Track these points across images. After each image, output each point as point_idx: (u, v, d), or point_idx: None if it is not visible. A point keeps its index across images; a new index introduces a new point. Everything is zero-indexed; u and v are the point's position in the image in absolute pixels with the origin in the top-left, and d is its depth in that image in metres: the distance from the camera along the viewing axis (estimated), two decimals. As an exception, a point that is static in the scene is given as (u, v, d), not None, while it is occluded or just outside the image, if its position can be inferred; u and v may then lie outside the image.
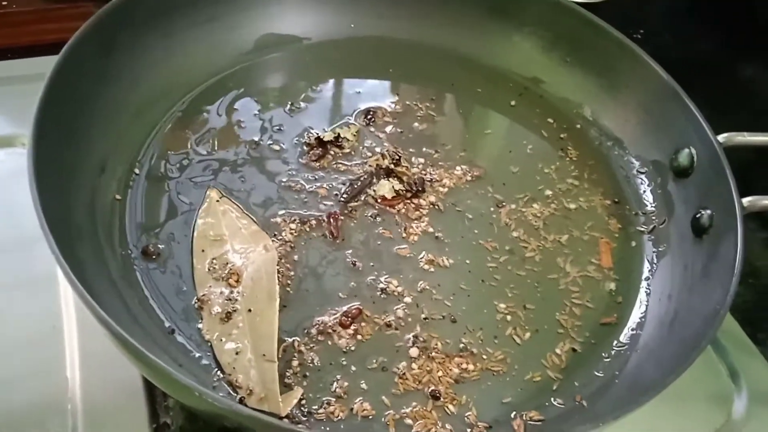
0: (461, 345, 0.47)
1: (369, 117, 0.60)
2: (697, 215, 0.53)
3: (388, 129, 0.59)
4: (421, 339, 0.47)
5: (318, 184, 0.54)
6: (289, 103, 0.59)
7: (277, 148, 0.56)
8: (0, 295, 0.49)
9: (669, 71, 0.58)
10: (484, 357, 0.47)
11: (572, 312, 0.50)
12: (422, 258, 0.51)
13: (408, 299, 0.49)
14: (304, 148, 0.56)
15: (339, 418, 0.42)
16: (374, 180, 0.55)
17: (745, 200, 0.49)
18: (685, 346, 0.45)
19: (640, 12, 0.93)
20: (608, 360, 0.48)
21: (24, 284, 0.50)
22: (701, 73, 0.84)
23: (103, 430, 0.43)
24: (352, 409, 0.43)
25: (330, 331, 0.46)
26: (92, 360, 0.46)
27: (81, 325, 0.47)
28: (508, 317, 0.49)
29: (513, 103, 0.64)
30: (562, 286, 0.52)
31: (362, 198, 0.54)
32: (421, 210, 0.54)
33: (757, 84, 0.87)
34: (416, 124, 0.61)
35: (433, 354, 0.46)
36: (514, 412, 0.44)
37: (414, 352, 0.46)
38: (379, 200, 0.54)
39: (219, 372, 0.43)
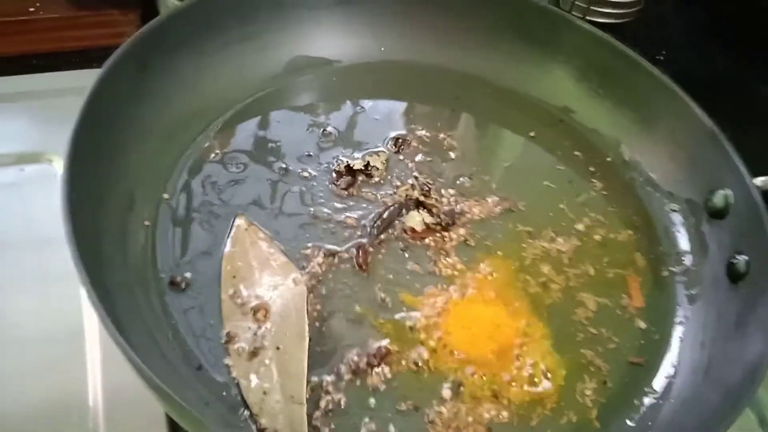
0: (493, 388, 0.46)
1: (399, 144, 0.59)
2: (733, 260, 0.52)
3: (418, 157, 0.58)
4: (451, 380, 0.46)
5: (347, 214, 0.53)
6: (319, 127, 0.58)
7: (306, 174, 0.55)
8: (20, 296, 0.49)
9: (693, 90, 0.57)
10: (516, 400, 0.46)
11: (603, 350, 0.49)
12: (451, 294, 0.50)
13: (438, 337, 0.48)
14: (333, 175, 0.55)
15: (366, 463, 0.41)
16: (404, 211, 0.54)
17: (786, 249, 0.48)
18: (723, 398, 0.44)
19: (661, 31, 0.92)
20: (640, 408, 0.47)
21: (44, 284, 0.50)
22: (724, 90, 0.83)
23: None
24: (379, 454, 0.42)
25: (358, 370, 0.45)
26: (114, 367, 0.46)
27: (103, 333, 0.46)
28: (540, 356, 0.48)
29: (544, 133, 0.63)
30: (593, 323, 0.51)
31: (391, 230, 0.53)
32: (450, 243, 0.53)
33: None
34: (446, 151, 0.60)
35: (463, 398, 0.45)
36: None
37: (447, 393, 0.45)
38: (408, 232, 0.53)
39: (246, 411, 0.42)
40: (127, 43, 0.48)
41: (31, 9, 0.71)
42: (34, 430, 0.44)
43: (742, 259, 0.51)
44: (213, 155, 0.54)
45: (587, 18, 0.79)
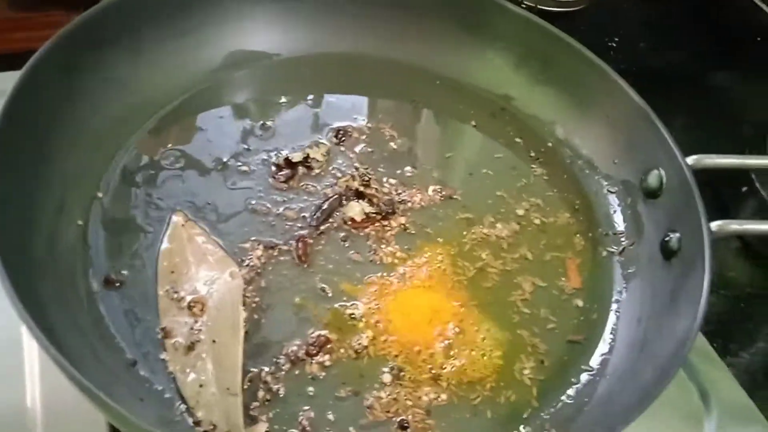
0: (432, 371, 0.46)
1: (339, 136, 0.59)
2: (666, 238, 0.53)
3: (359, 148, 0.59)
4: (391, 366, 0.46)
5: (286, 206, 0.53)
6: (258, 121, 0.58)
7: (245, 168, 0.55)
8: None
9: (642, 80, 0.58)
10: (454, 381, 0.46)
11: (540, 330, 0.50)
12: (391, 281, 0.51)
13: (378, 324, 0.48)
14: (273, 168, 0.55)
15: (304, 451, 0.42)
16: (344, 202, 0.54)
17: (714, 225, 0.49)
18: (656, 372, 0.45)
19: (615, 20, 0.94)
20: (577, 386, 0.48)
21: None
22: (674, 81, 0.85)
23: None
24: (318, 442, 0.42)
25: (297, 359, 0.45)
26: (53, 374, 0.44)
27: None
28: (479, 338, 0.49)
29: (484, 120, 0.63)
30: (531, 304, 0.51)
31: (331, 220, 0.53)
32: (391, 232, 0.53)
33: (728, 93, 0.88)
34: (387, 142, 0.60)
35: (403, 382, 0.46)
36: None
37: (386, 378, 0.45)
38: (348, 222, 0.53)
39: (182, 405, 0.42)
40: (50, 41, 0.48)
41: (-29, 11, 0.69)
42: None
43: (674, 236, 0.52)
44: (148, 153, 0.54)
45: (539, 7, 0.80)
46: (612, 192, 0.59)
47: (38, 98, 0.46)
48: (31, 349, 0.47)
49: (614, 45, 0.89)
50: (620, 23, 0.94)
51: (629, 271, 0.55)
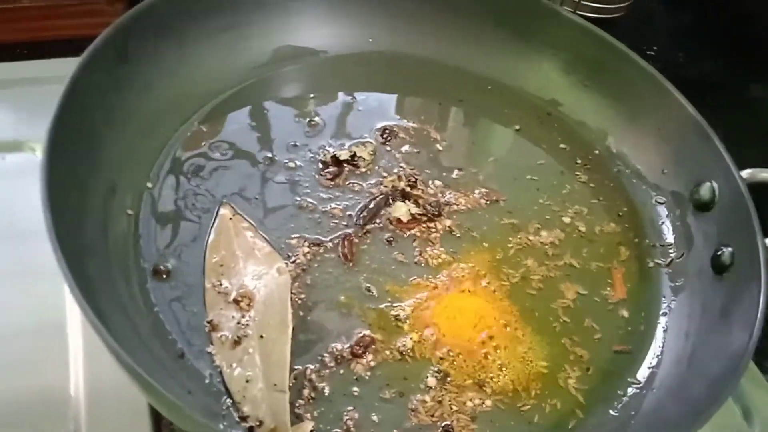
0: (476, 377, 0.46)
1: (385, 135, 0.59)
2: (718, 252, 0.52)
3: (405, 148, 0.58)
4: (435, 369, 0.46)
5: (332, 204, 0.53)
6: (305, 118, 0.58)
7: (292, 165, 0.55)
8: (1, 289, 0.49)
9: (680, 89, 0.58)
10: (499, 387, 0.46)
11: (584, 339, 0.49)
12: (436, 284, 0.50)
13: (423, 326, 0.47)
14: (320, 165, 0.55)
15: (349, 451, 0.41)
16: (390, 201, 0.54)
17: (769, 241, 0.48)
18: (706, 389, 0.44)
19: (652, 28, 0.93)
20: (624, 398, 0.47)
21: (26, 276, 0.49)
22: (712, 91, 0.84)
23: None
24: (362, 443, 0.42)
25: (342, 359, 0.45)
26: (96, 360, 0.45)
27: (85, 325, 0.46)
28: (523, 345, 0.48)
29: (530, 124, 0.63)
30: (574, 313, 0.51)
31: (377, 220, 0.53)
32: (436, 234, 0.53)
33: (766, 103, 0.87)
34: (432, 143, 0.60)
35: (447, 386, 0.45)
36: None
37: (431, 382, 0.45)
38: (393, 223, 0.53)
39: (228, 399, 0.41)
40: (106, 31, 0.48)
41: (17, -2, 0.70)
42: (16, 422, 0.44)
43: (727, 251, 0.51)
44: (197, 144, 0.54)
45: (578, 12, 0.79)
46: (660, 203, 0.58)
47: (94, 85, 0.47)
48: (75, 336, 0.47)
49: (652, 54, 0.88)
50: (658, 32, 0.93)
51: (677, 283, 0.54)
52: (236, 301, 0.45)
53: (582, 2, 0.79)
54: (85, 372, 0.46)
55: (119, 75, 0.50)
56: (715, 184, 0.54)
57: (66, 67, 0.49)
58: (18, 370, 0.45)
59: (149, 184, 0.50)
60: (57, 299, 0.48)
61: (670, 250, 0.56)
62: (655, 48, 0.88)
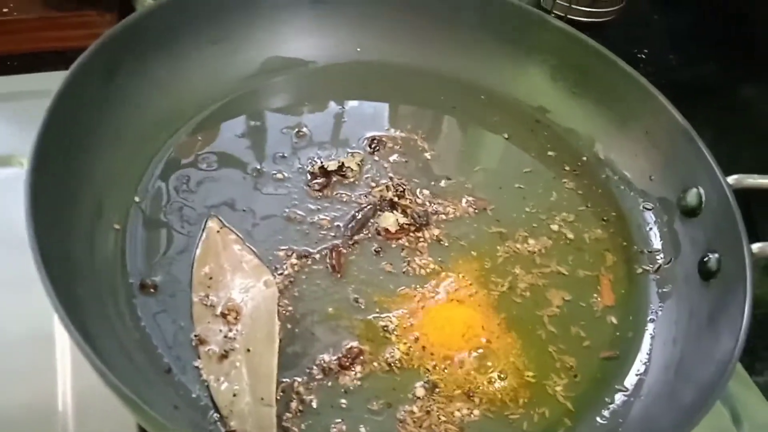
0: (465, 387, 0.46)
1: (373, 145, 0.59)
2: (705, 258, 0.52)
3: (393, 158, 0.58)
4: (424, 380, 0.46)
5: (320, 215, 0.53)
6: (293, 128, 0.58)
7: (279, 176, 0.55)
8: None
9: (671, 92, 0.58)
10: (487, 397, 0.46)
11: (573, 346, 0.50)
12: (424, 294, 0.50)
13: (411, 337, 0.48)
14: (308, 176, 0.55)
15: (336, 464, 0.41)
16: (378, 212, 0.54)
17: (755, 246, 0.49)
18: (694, 394, 0.44)
19: (644, 31, 0.93)
20: (612, 405, 0.48)
21: (14, 287, 0.48)
22: (703, 94, 0.84)
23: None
24: (350, 456, 0.42)
25: (330, 371, 0.45)
26: (84, 371, 0.45)
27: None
28: (511, 353, 0.48)
29: (518, 132, 0.63)
30: (562, 320, 0.51)
31: (365, 231, 0.53)
32: (424, 244, 0.53)
33: (758, 107, 0.87)
34: (420, 152, 0.60)
35: (436, 396, 0.45)
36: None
37: (420, 392, 0.45)
38: (382, 233, 0.53)
39: (216, 414, 0.41)
40: (94, 45, 0.48)
41: (5, 9, 0.70)
42: None
43: (713, 257, 0.51)
44: (185, 157, 0.54)
45: (569, 16, 0.79)
46: (648, 209, 0.59)
47: (81, 100, 0.47)
48: (63, 350, 0.47)
49: (643, 57, 0.88)
50: (650, 35, 0.93)
51: (665, 290, 0.54)
52: (223, 315, 0.45)
53: (573, 6, 0.79)
54: (73, 383, 0.46)
55: (106, 88, 0.50)
56: (702, 190, 0.54)
57: (54, 81, 0.49)
58: (5, 383, 0.45)
59: (137, 198, 0.50)
60: (45, 311, 0.48)
61: (658, 257, 0.56)
62: (646, 51, 0.89)
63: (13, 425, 0.44)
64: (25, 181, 0.40)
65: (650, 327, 0.52)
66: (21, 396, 0.45)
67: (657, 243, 0.57)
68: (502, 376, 0.47)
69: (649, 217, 0.58)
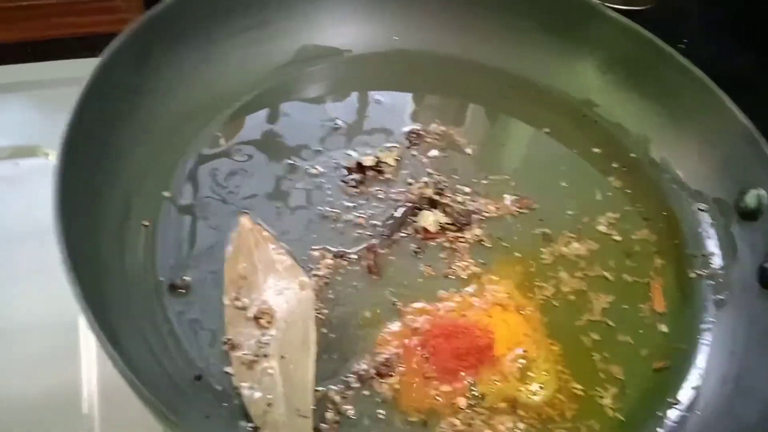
0: (509, 398, 0.43)
1: (412, 139, 0.56)
2: (765, 264, 0.49)
3: (432, 153, 0.56)
4: (467, 391, 0.43)
5: (356, 213, 0.50)
6: (328, 120, 0.56)
7: (314, 171, 0.52)
8: (15, 289, 0.48)
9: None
10: (532, 410, 0.43)
11: (620, 356, 0.47)
12: (465, 299, 0.47)
13: (451, 344, 0.45)
14: (343, 172, 0.53)
15: (374, 479, 0.39)
16: (416, 211, 0.51)
17: (822, 254, 0.45)
18: (758, 412, 0.41)
19: (683, 20, 0.89)
20: (666, 421, 0.45)
21: (39, 277, 0.47)
22: (746, 86, 0.80)
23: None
24: (388, 470, 0.40)
25: (367, 379, 0.43)
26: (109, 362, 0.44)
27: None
28: (556, 363, 0.45)
29: (565, 127, 0.60)
30: (610, 328, 0.48)
31: (403, 230, 0.50)
32: (465, 244, 0.50)
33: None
34: (460, 147, 0.57)
35: (478, 408, 0.43)
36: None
37: (462, 403, 0.42)
38: (421, 233, 0.50)
39: (248, 424, 0.39)
40: (126, 32, 0.46)
41: (31, -6, 0.68)
42: (27, 421, 0.43)
43: (775, 263, 0.48)
44: (217, 150, 0.52)
45: (605, 4, 0.75)
46: (702, 210, 0.55)
47: (111, 90, 0.45)
48: (87, 336, 0.46)
49: (683, 47, 0.84)
50: (689, 24, 0.89)
51: (720, 296, 0.51)
52: (256, 318, 0.43)
53: (609, -7, 0.75)
54: (98, 371, 0.44)
55: (139, 77, 0.48)
56: (762, 192, 0.51)
57: (79, 69, 0.47)
58: (30, 370, 0.45)
59: (167, 193, 0.48)
60: (68, 298, 0.46)
61: (711, 261, 0.53)
62: (685, 41, 0.84)
63: (38, 411, 0.43)
64: (54, 171, 0.38)
65: (705, 336, 0.49)
66: (46, 382, 0.44)
67: (711, 246, 0.54)
68: (545, 386, 0.44)
69: (704, 218, 0.55)
